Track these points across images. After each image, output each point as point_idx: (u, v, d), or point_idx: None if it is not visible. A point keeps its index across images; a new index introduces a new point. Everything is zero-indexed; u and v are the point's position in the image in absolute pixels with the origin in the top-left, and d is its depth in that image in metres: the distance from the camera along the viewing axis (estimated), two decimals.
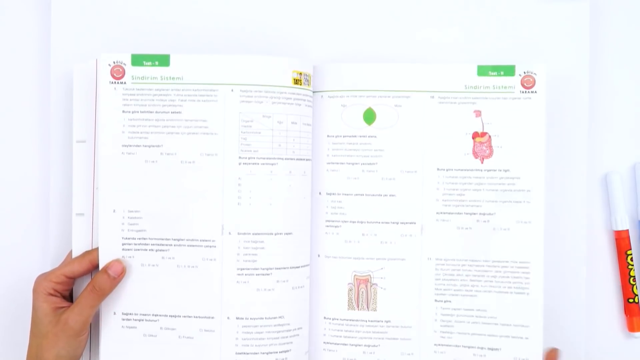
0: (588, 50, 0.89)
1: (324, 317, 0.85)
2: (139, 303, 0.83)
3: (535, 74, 0.84)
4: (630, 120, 0.91)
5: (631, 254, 0.89)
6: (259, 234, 0.82)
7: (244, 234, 0.82)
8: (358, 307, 0.85)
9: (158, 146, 0.83)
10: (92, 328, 0.84)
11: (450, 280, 0.85)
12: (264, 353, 0.82)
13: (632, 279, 0.89)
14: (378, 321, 0.85)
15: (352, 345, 0.85)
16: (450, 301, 0.85)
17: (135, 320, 0.83)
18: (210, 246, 0.82)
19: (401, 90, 0.85)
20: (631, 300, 0.89)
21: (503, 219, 0.84)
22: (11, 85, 0.89)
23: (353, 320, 0.85)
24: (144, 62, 0.83)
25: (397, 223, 0.85)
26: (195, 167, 0.82)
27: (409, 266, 0.85)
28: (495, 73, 0.85)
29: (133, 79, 0.83)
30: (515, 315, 0.83)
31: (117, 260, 0.82)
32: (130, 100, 0.83)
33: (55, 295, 0.81)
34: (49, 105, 0.88)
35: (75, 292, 0.84)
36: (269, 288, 0.82)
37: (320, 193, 0.85)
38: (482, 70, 0.85)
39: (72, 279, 0.83)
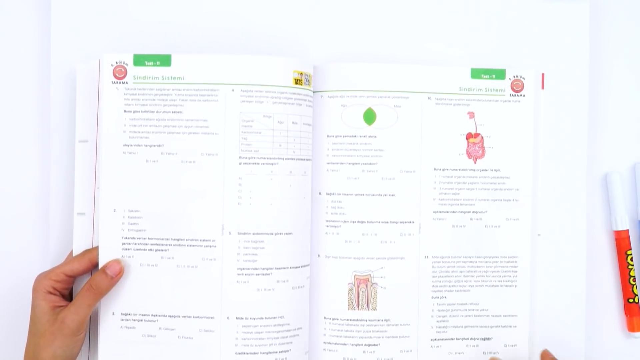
0: (588, 50, 0.89)
1: (324, 317, 0.85)
2: (138, 303, 0.83)
3: (523, 78, 0.87)
4: (630, 120, 0.91)
5: (631, 254, 0.89)
6: (259, 233, 0.82)
7: (244, 233, 0.82)
8: (358, 306, 0.85)
9: (159, 146, 0.83)
10: (91, 328, 0.84)
11: (446, 277, 0.86)
12: (263, 353, 0.82)
13: (632, 279, 0.89)
14: (378, 320, 0.85)
15: (352, 345, 0.85)
16: (445, 297, 0.86)
17: (134, 320, 0.83)
18: (210, 246, 0.82)
19: (400, 91, 0.85)
20: (631, 300, 0.89)
21: (494, 216, 0.87)
22: (12, 85, 0.89)
23: (353, 320, 0.85)
24: (146, 62, 0.83)
25: (397, 222, 0.85)
26: (195, 166, 0.82)
27: (408, 265, 0.86)
28: (487, 76, 0.87)
29: (135, 78, 0.83)
30: (504, 307, 0.87)
31: (116, 260, 0.82)
32: (132, 100, 0.83)
33: (54, 294, 0.81)
34: (50, 105, 0.88)
35: (75, 291, 0.84)
36: (269, 288, 0.82)
37: (320, 193, 0.86)
38: (476, 73, 0.87)
39: (72, 278, 0.82)
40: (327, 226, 0.86)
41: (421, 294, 0.86)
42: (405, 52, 0.89)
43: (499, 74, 0.86)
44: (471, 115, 0.86)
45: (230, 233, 0.82)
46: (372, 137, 0.85)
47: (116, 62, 0.83)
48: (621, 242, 0.89)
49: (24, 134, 0.89)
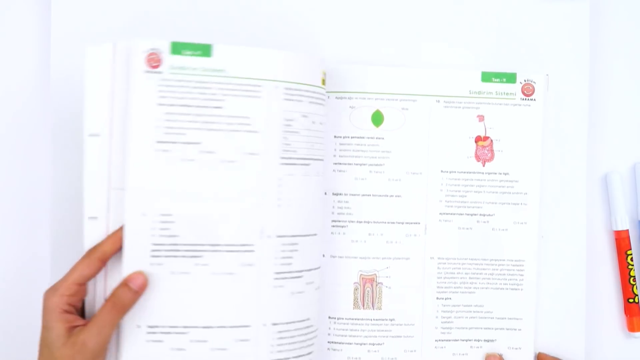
0: (588, 51, 0.90)
1: (329, 317, 0.85)
2: (167, 314, 0.75)
3: (534, 82, 0.87)
4: (630, 120, 0.92)
5: (631, 254, 0.90)
6: (295, 236, 0.78)
7: (282, 236, 0.78)
8: (363, 306, 0.85)
9: (196, 143, 0.75)
10: (111, 344, 0.74)
11: (451, 278, 0.86)
12: (294, 357, 0.79)
13: (632, 279, 0.90)
14: (382, 320, 0.86)
15: (357, 344, 0.85)
16: (450, 298, 0.86)
17: (162, 333, 0.75)
18: (249, 250, 0.76)
19: (408, 94, 0.86)
20: (631, 300, 0.90)
21: (501, 219, 0.87)
22: (10, 78, 0.86)
23: (358, 319, 0.85)
24: (183, 51, 0.75)
25: (403, 223, 0.86)
26: (235, 166, 0.76)
27: (413, 265, 0.86)
28: (498, 80, 0.87)
29: (171, 69, 0.75)
30: (509, 309, 0.87)
31: (139, 272, 0.74)
32: (167, 92, 0.74)
33: (71, 312, 0.72)
34: (48, 97, 0.84)
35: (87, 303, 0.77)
36: (300, 291, 0.79)
37: (326, 193, 0.85)
38: (486, 77, 0.87)
39: (84, 286, 0.74)
40: (334, 226, 0.85)
41: (426, 295, 0.86)
42: (410, 55, 0.88)
43: (510, 78, 0.87)
44: (481, 118, 0.86)
45: (269, 236, 0.77)
46: (379, 138, 0.85)
47: (150, 49, 0.74)
48: (621, 242, 0.90)
49: (21, 130, 0.86)
